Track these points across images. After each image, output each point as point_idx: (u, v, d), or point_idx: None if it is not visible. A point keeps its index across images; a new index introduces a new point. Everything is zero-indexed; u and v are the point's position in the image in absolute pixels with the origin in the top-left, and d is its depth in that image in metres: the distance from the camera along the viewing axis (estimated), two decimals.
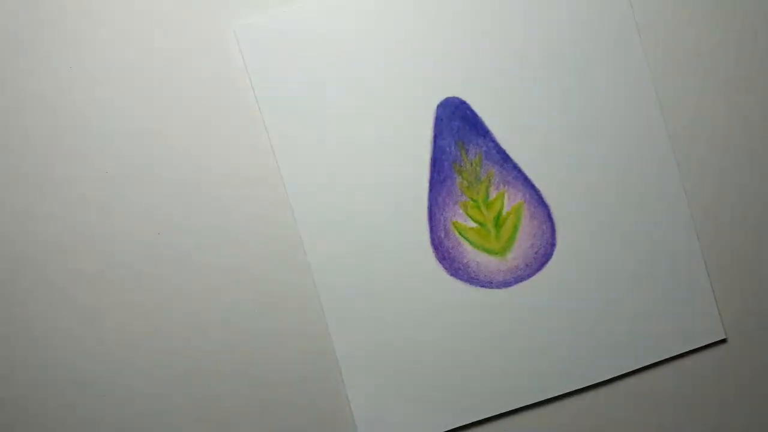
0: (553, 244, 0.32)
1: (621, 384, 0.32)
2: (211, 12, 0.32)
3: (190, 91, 0.32)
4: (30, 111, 0.32)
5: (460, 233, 0.32)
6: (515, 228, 0.32)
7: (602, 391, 0.32)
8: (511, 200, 0.32)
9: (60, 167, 0.32)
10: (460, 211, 0.32)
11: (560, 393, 0.32)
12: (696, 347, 0.32)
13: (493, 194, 0.32)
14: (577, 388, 0.32)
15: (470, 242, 0.32)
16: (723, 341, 0.32)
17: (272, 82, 0.32)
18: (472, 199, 0.32)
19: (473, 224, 0.32)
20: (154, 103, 0.32)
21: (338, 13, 0.32)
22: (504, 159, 0.32)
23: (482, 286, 0.32)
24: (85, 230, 0.32)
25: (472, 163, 0.32)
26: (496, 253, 0.32)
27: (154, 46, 0.32)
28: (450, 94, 0.32)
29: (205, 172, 0.32)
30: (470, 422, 0.32)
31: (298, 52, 0.32)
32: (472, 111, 0.32)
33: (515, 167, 0.32)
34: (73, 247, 0.32)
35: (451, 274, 0.32)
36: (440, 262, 0.32)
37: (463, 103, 0.32)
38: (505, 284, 0.32)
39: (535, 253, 0.32)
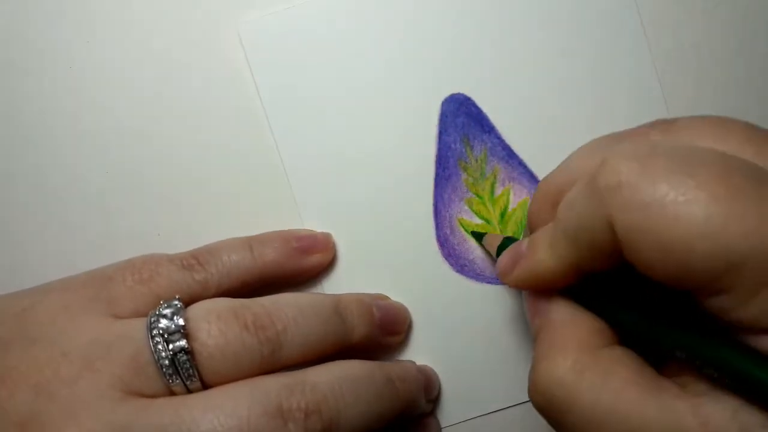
0: None
1: None
2: (214, 10, 0.32)
3: (193, 90, 0.32)
4: (29, 110, 0.31)
5: (465, 230, 0.32)
6: (521, 224, 0.32)
7: None
8: (516, 196, 0.32)
9: (60, 167, 0.32)
10: (466, 207, 0.32)
11: None
12: None
13: (498, 190, 0.32)
14: None
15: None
16: None
17: (275, 80, 0.32)
18: (477, 196, 0.32)
19: (479, 220, 0.32)
20: (156, 101, 0.32)
21: (342, 10, 0.32)
22: (509, 155, 0.32)
23: (488, 283, 0.32)
24: (86, 230, 0.32)
25: (477, 160, 0.32)
26: None
27: (156, 44, 0.32)
28: (455, 90, 0.32)
29: (206, 171, 0.32)
30: (475, 416, 0.32)
31: (301, 49, 0.32)
32: (477, 107, 0.32)
33: (521, 163, 0.32)
34: (73, 246, 0.32)
35: (457, 271, 0.32)
36: (446, 258, 0.32)
37: (468, 99, 0.32)
38: None
39: None
